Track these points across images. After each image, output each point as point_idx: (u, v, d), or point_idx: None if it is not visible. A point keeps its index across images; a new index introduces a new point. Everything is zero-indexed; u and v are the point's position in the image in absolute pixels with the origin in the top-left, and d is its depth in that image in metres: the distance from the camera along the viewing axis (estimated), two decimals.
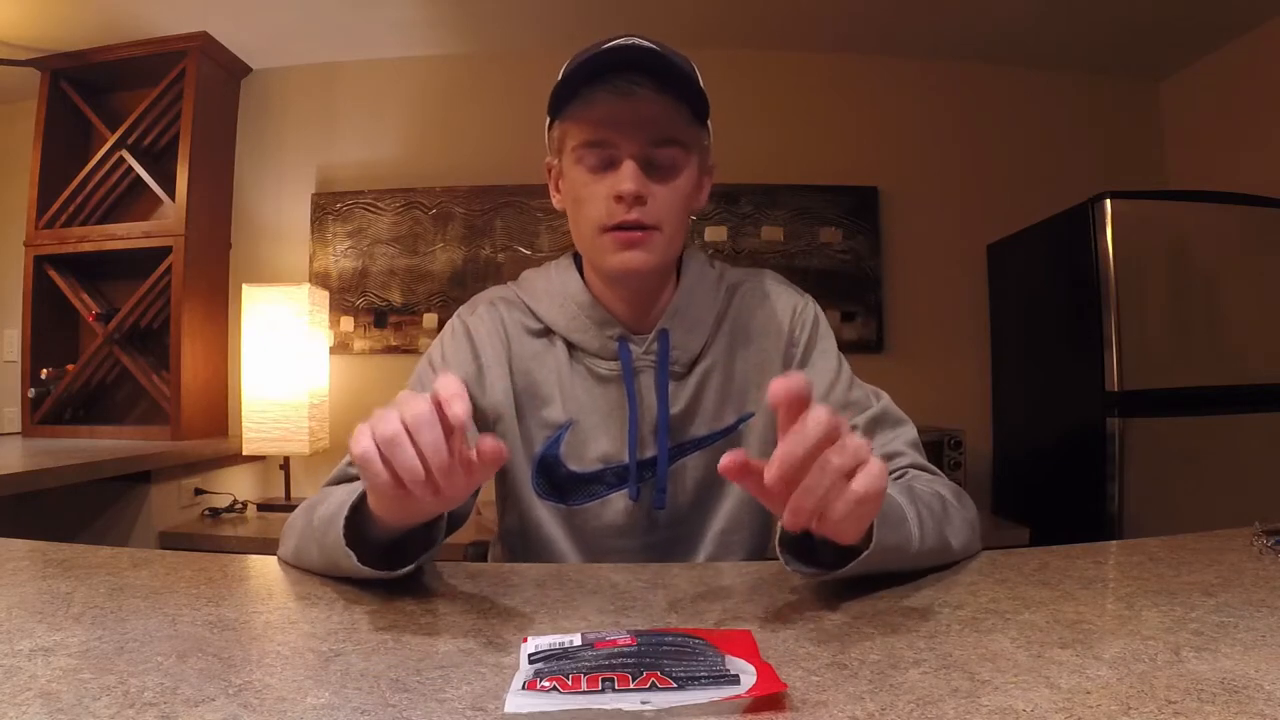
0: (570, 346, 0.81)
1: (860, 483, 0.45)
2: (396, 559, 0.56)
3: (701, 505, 0.82)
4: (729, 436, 0.82)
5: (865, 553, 0.51)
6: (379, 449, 0.45)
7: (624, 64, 0.70)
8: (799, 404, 0.45)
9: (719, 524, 0.81)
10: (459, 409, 0.44)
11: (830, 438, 0.45)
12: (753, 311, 0.84)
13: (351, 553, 0.53)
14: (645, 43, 0.71)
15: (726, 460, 0.47)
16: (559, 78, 0.74)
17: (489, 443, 0.46)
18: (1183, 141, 2.49)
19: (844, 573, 0.52)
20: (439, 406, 0.45)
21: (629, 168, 0.71)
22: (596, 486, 0.81)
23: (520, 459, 0.82)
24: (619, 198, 0.71)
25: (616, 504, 0.80)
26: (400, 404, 0.46)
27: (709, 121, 0.78)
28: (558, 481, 0.81)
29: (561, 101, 0.74)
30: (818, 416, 0.44)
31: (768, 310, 0.84)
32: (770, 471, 0.45)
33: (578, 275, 0.82)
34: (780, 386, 0.45)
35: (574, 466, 0.81)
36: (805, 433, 0.44)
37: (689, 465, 0.81)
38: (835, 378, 0.81)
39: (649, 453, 0.80)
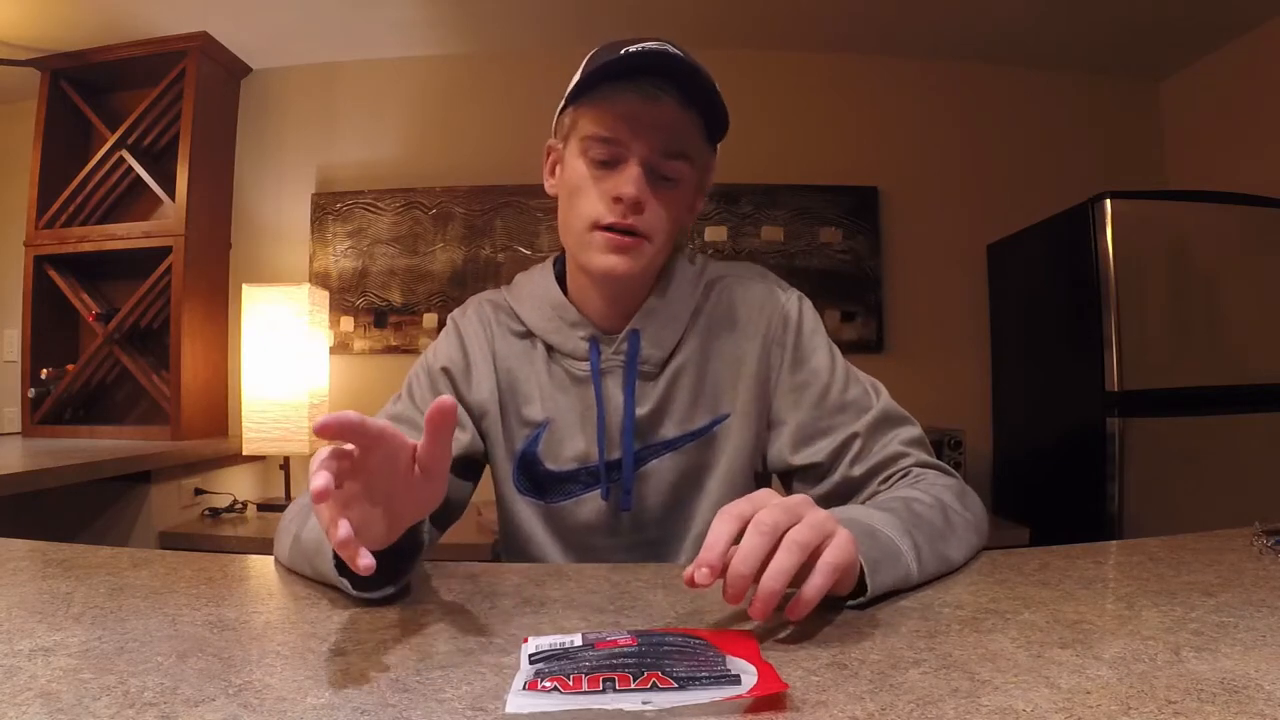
0: (549, 348, 0.81)
1: (832, 554, 0.46)
2: (389, 567, 0.56)
3: (677, 508, 0.81)
4: (702, 438, 0.80)
5: (861, 599, 0.51)
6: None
7: (654, 68, 0.70)
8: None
9: (696, 527, 0.80)
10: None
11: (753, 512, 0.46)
12: (731, 307, 0.82)
13: (345, 581, 0.53)
14: (678, 52, 0.70)
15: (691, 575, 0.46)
16: (585, 65, 0.73)
17: (434, 406, 0.46)
18: (1183, 141, 2.49)
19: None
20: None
21: (634, 171, 0.70)
22: (572, 485, 0.81)
23: (503, 457, 0.82)
24: (618, 199, 0.71)
25: (590, 504, 0.80)
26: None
27: (718, 145, 0.78)
28: (536, 479, 0.82)
29: (582, 89, 0.73)
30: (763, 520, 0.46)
31: (747, 306, 0.82)
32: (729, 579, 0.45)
33: (553, 278, 0.83)
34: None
35: (550, 465, 0.81)
36: (758, 534, 0.45)
37: (660, 467, 0.80)
38: (830, 378, 0.78)
39: (618, 454, 0.79)
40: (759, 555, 0.44)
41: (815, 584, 0.45)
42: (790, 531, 0.46)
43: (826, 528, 0.47)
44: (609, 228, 0.72)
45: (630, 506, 0.79)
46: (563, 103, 0.77)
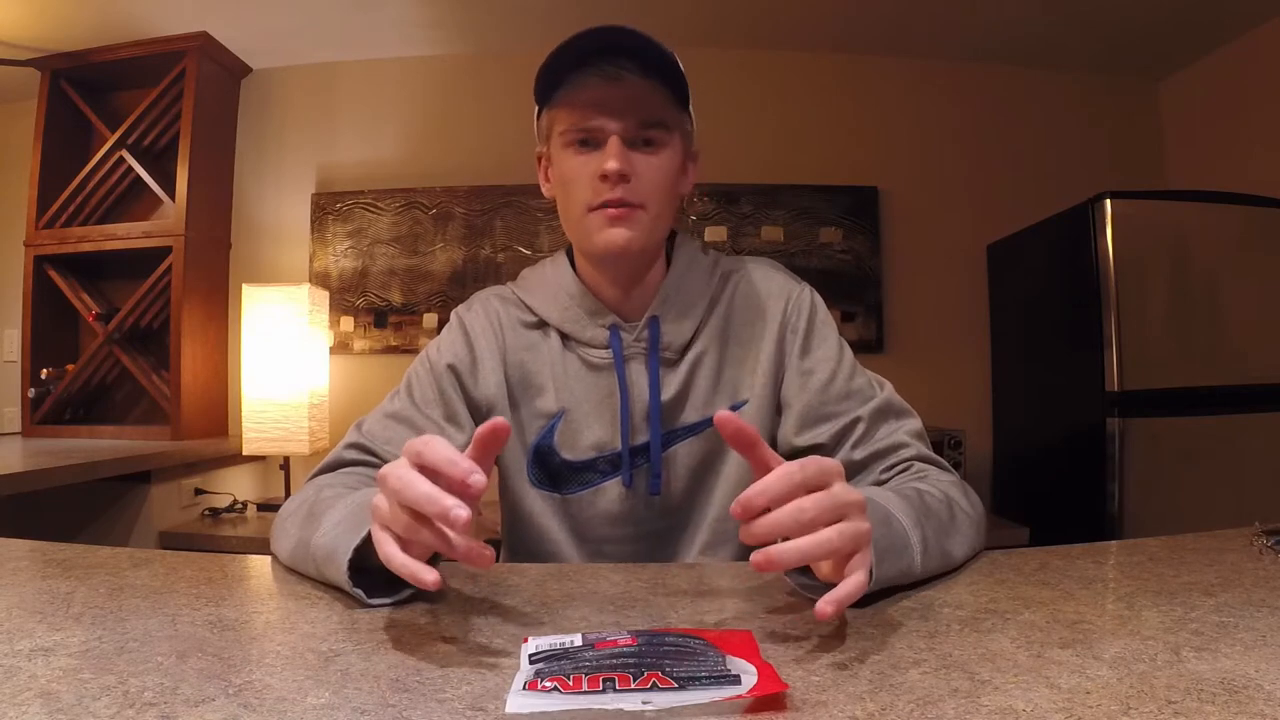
0: (564, 337, 0.82)
1: (858, 580, 0.46)
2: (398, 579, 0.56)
3: (695, 492, 0.82)
4: None
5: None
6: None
7: (608, 49, 0.72)
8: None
9: (713, 511, 0.81)
10: (477, 479, 0.44)
11: (820, 484, 0.46)
12: (747, 299, 0.84)
13: (360, 591, 0.53)
14: (626, 27, 0.72)
15: (723, 415, 0.48)
16: (543, 64, 0.74)
17: (488, 426, 0.47)
18: (1183, 141, 2.49)
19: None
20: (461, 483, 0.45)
21: (614, 145, 0.72)
22: (590, 475, 0.81)
23: (515, 450, 0.82)
24: (604, 176, 0.72)
25: (610, 492, 0.81)
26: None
27: (691, 109, 0.79)
28: (552, 470, 0.82)
29: (549, 89, 0.75)
30: (813, 466, 0.46)
31: (762, 297, 0.84)
32: (745, 502, 0.45)
33: (569, 267, 0.84)
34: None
35: (567, 455, 0.81)
36: (791, 476, 0.45)
37: (681, 452, 0.81)
38: (836, 366, 0.80)
39: (641, 439, 0.80)
40: (779, 531, 0.45)
41: (849, 592, 0.45)
42: (834, 532, 0.45)
43: (860, 541, 0.47)
44: (602, 206, 0.74)
45: (659, 490, 0.80)
46: (537, 109, 0.79)
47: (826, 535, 0.45)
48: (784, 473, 0.46)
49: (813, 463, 0.47)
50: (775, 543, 0.45)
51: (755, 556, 0.44)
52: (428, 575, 0.45)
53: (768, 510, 0.45)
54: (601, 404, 0.80)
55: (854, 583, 0.45)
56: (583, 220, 0.75)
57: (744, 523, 0.45)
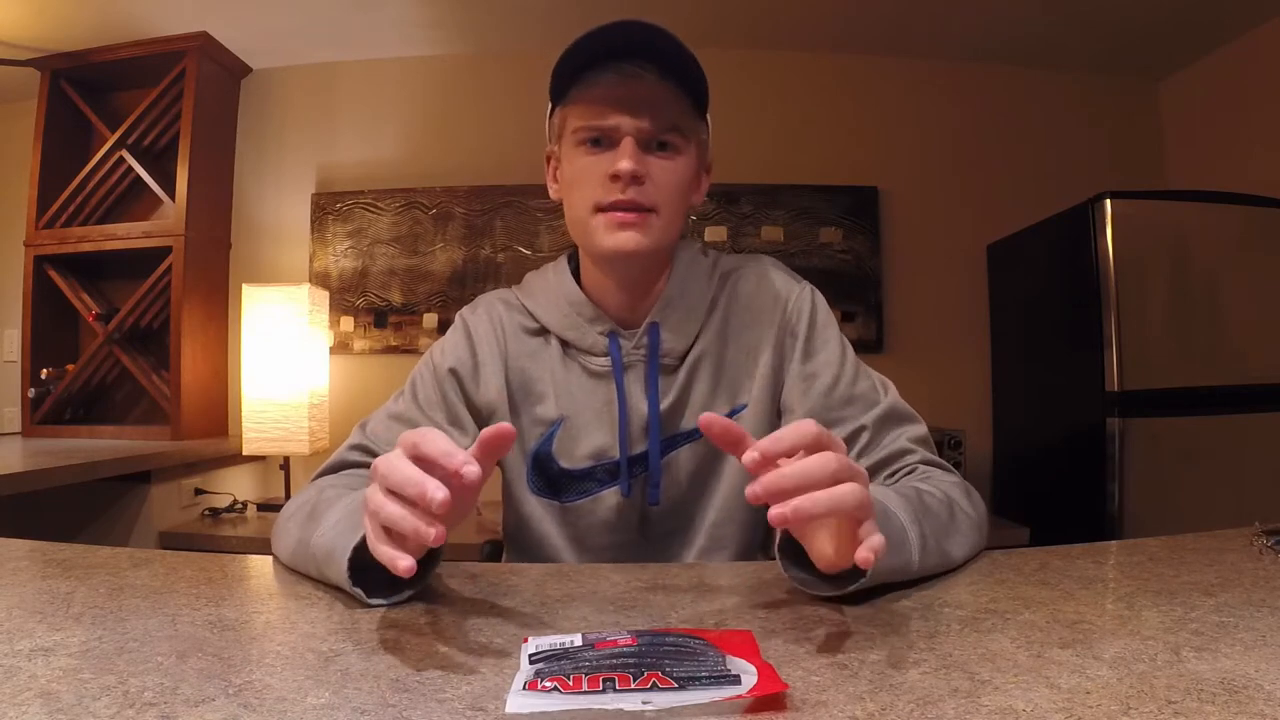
0: (564, 344, 0.81)
1: (877, 542, 0.45)
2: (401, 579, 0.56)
3: (693, 499, 0.81)
4: None
5: (861, 580, 0.50)
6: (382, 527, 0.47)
7: (628, 49, 0.70)
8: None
9: (711, 516, 0.81)
10: (472, 470, 0.44)
11: (819, 446, 0.46)
12: (746, 299, 0.82)
13: (359, 590, 0.53)
14: (648, 24, 0.70)
15: (707, 417, 0.48)
16: (560, 59, 0.73)
17: (493, 430, 0.48)
18: (1183, 141, 2.49)
19: (837, 596, 0.52)
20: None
21: (628, 145, 0.70)
22: (588, 484, 0.80)
23: (515, 456, 0.82)
24: (615, 176, 0.71)
25: (609, 501, 0.80)
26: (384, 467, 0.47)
27: (708, 118, 0.78)
28: (551, 478, 0.81)
29: (565, 85, 0.73)
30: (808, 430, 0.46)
31: (761, 298, 0.82)
32: (752, 454, 0.45)
33: (569, 274, 0.83)
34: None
35: (565, 463, 0.80)
36: (800, 433, 0.46)
37: (680, 459, 0.80)
38: (840, 370, 0.78)
39: (640, 448, 0.79)
40: (791, 487, 0.44)
41: (880, 541, 0.45)
42: (849, 499, 0.44)
43: (866, 511, 0.46)
44: (611, 207, 0.72)
45: (659, 500, 0.79)
46: (550, 106, 0.77)
47: (845, 500, 0.44)
48: (789, 437, 0.46)
49: (793, 430, 0.47)
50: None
51: (779, 508, 0.43)
52: (401, 561, 0.45)
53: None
54: (600, 412, 0.79)
55: (880, 537, 0.45)
56: (590, 220, 0.73)
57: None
